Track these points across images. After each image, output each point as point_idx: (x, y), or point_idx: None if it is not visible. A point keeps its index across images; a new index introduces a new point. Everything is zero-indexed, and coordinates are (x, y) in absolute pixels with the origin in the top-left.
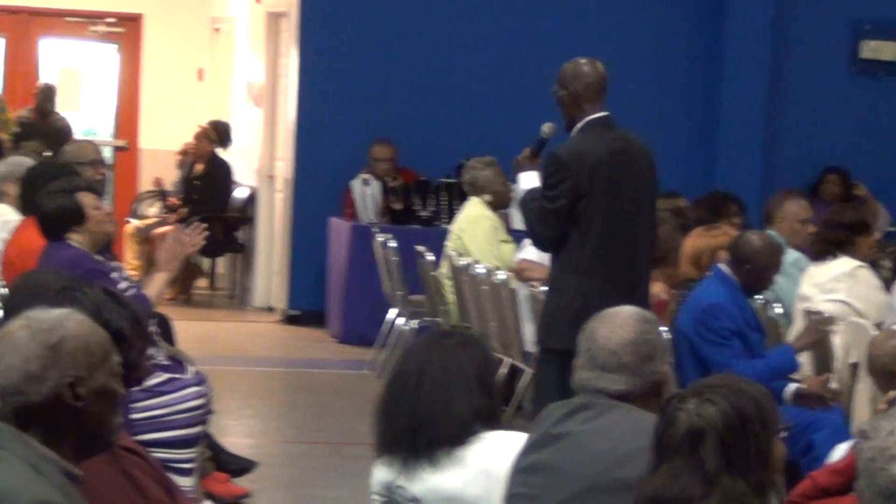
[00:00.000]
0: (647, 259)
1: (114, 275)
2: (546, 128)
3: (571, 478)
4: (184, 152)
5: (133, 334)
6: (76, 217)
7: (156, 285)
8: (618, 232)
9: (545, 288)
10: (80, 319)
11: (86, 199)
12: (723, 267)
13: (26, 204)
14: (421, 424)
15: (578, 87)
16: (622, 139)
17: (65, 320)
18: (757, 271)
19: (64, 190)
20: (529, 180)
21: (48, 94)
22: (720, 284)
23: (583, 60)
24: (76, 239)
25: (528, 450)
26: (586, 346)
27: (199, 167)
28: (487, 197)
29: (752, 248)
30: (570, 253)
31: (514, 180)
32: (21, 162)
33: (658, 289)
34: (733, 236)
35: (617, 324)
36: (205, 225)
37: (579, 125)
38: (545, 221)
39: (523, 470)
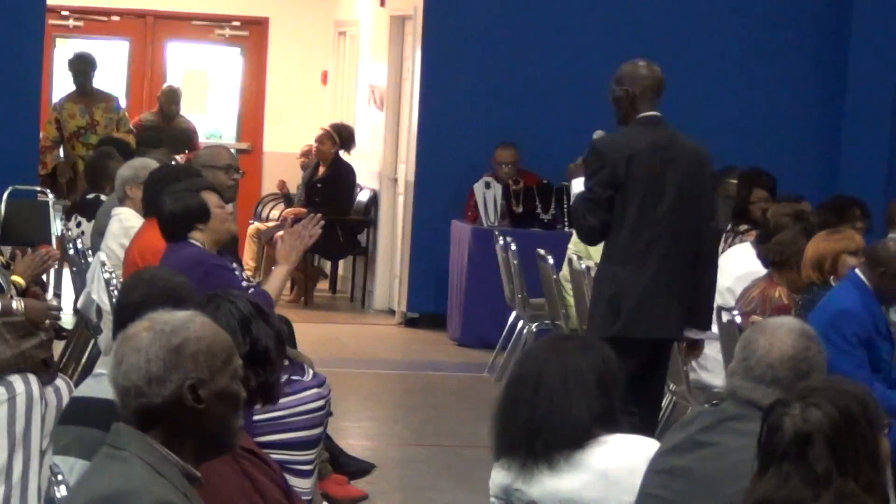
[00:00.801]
0: (692, 255)
1: (237, 272)
2: (597, 135)
3: (713, 489)
4: (306, 154)
5: (276, 355)
6: (201, 215)
7: (275, 280)
8: (653, 224)
9: None
10: (203, 322)
11: (209, 197)
12: (858, 271)
13: (149, 205)
14: (539, 428)
15: (636, 88)
16: (668, 136)
17: (188, 322)
18: (891, 276)
19: (188, 189)
20: (578, 185)
21: (171, 96)
22: (854, 289)
23: (641, 63)
24: (198, 238)
25: (670, 452)
26: (743, 355)
27: (322, 170)
28: None
29: (888, 252)
30: (608, 243)
31: (568, 186)
32: (147, 165)
33: (779, 293)
34: (857, 241)
35: (778, 337)
36: (319, 215)
37: (631, 123)
38: (588, 209)
39: (662, 471)
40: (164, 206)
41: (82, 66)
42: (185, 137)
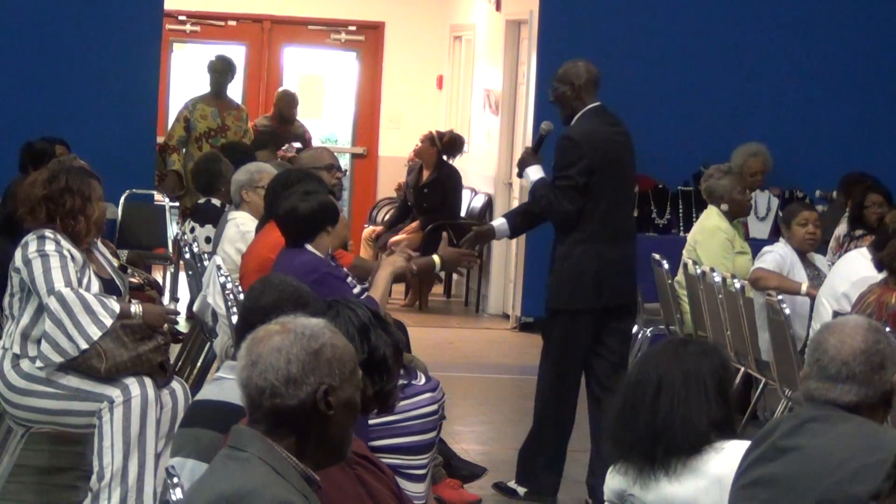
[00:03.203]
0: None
1: (349, 280)
2: (545, 125)
3: (801, 492)
4: (412, 159)
5: (393, 363)
6: (333, 215)
7: (379, 284)
8: (622, 202)
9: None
10: (334, 330)
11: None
12: None
13: (275, 207)
14: (660, 433)
15: (580, 82)
16: (618, 122)
17: (324, 328)
18: None
19: (317, 191)
20: (536, 172)
21: (289, 100)
22: None
23: (580, 62)
24: (324, 241)
25: (754, 463)
26: (815, 357)
27: (427, 175)
28: (724, 206)
29: None
30: (586, 224)
31: (521, 175)
32: (261, 168)
33: None
34: None
35: (847, 333)
36: (412, 249)
37: (579, 114)
38: (564, 196)
39: (750, 484)
40: (294, 208)
41: (222, 68)
42: (300, 143)
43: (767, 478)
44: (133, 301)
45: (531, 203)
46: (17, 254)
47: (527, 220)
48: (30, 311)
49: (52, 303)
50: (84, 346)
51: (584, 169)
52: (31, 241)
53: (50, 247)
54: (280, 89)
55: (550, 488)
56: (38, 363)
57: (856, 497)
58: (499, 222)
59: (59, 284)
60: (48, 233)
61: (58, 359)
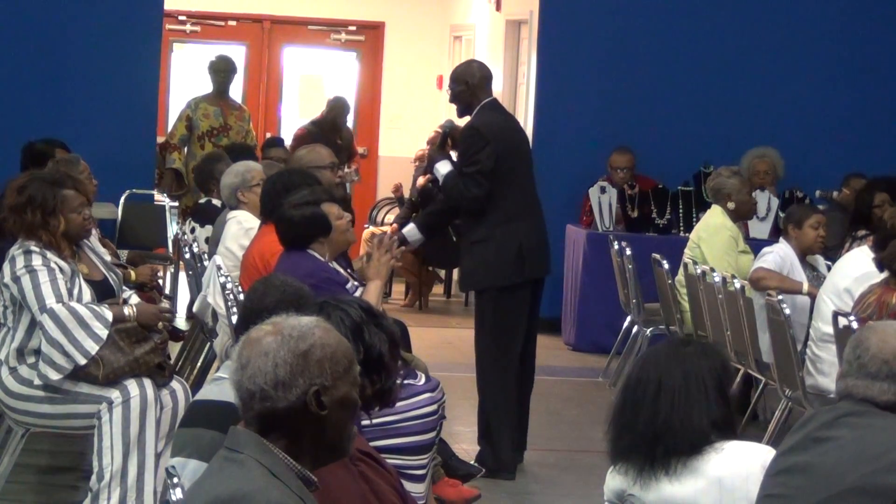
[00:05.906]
0: None
1: (348, 285)
2: (447, 124)
3: (833, 479)
4: (420, 158)
5: (390, 359)
6: (323, 228)
7: (371, 295)
8: (530, 182)
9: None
10: (327, 328)
11: (330, 209)
12: None
13: (269, 212)
14: (660, 433)
15: (474, 81)
16: (511, 114)
17: (314, 329)
18: None
19: (309, 202)
20: (445, 166)
21: (341, 108)
22: None
23: (473, 62)
24: (317, 249)
25: (787, 452)
26: (856, 354)
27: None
28: (731, 205)
29: None
30: (500, 205)
31: (431, 171)
32: (250, 168)
33: None
34: None
35: (889, 334)
36: (396, 237)
37: (477, 108)
38: (473, 182)
39: (780, 472)
40: (285, 217)
41: (224, 68)
42: (351, 150)
43: (801, 466)
44: (127, 304)
45: (444, 196)
46: (6, 269)
47: (441, 219)
48: (23, 326)
49: (46, 321)
50: (82, 361)
51: (491, 154)
52: (17, 255)
53: (37, 261)
54: (334, 96)
55: (509, 464)
56: (37, 381)
57: (890, 487)
58: (408, 228)
59: (49, 300)
60: (33, 246)
61: (56, 376)
